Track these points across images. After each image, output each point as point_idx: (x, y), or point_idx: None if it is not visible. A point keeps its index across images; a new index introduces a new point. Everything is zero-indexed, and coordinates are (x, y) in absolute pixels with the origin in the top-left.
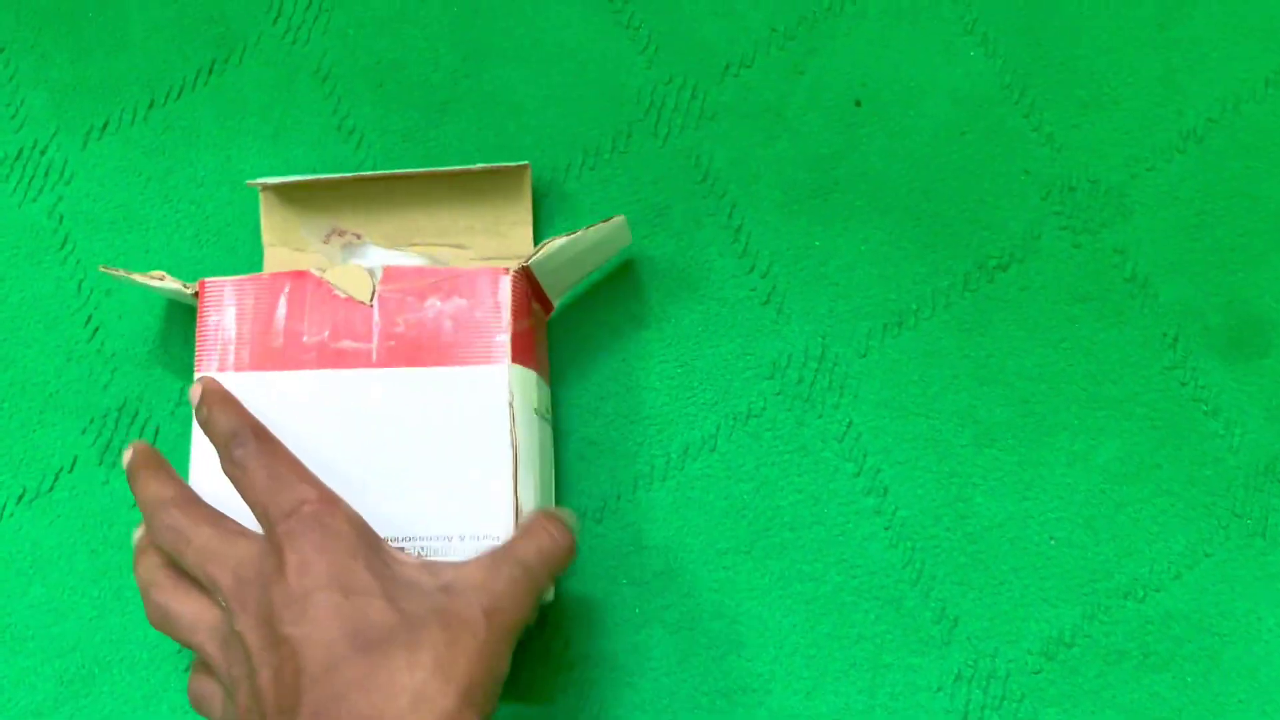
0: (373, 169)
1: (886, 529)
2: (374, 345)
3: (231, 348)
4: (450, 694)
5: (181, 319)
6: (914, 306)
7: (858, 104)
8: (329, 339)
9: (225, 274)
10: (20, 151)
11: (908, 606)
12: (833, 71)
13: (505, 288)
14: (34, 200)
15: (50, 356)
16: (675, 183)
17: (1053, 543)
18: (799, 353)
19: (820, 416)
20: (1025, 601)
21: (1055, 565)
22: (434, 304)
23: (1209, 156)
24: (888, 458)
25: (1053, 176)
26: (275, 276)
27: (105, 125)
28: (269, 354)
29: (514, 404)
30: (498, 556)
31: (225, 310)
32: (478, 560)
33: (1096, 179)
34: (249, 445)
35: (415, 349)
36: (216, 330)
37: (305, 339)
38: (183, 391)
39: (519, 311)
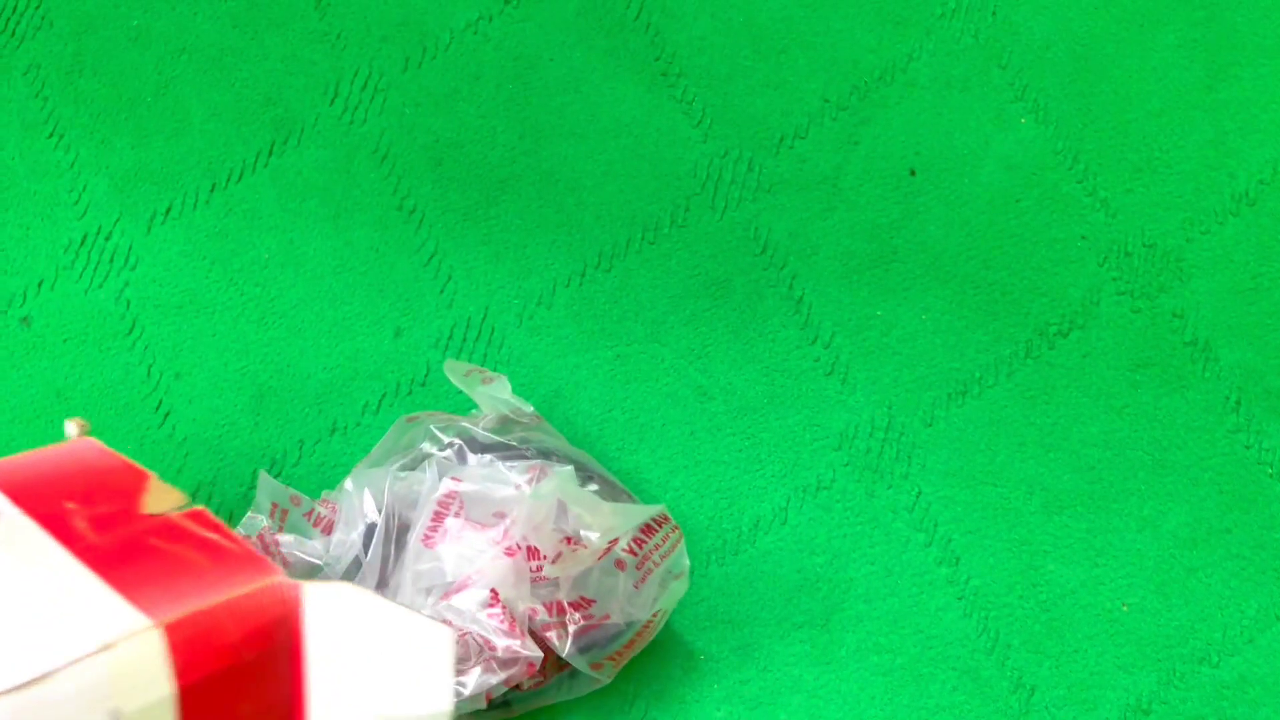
0: (435, 248)
1: (960, 599)
2: None
3: None
4: None
5: (248, 403)
6: (977, 375)
7: (913, 173)
8: None
9: (293, 357)
10: (85, 238)
11: (984, 676)
12: (886, 141)
13: None
14: (100, 286)
15: (122, 443)
16: (734, 255)
17: (1125, 609)
18: (865, 423)
19: (890, 487)
20: (1101, 669)
21: (1129, 632)
22: None
23: (1261, 219)
24: (958, 527)
25: (1109, 242)
26: None
27: (169, 210)
28: None
29: None
30: None
31: None
32: None
33: (1152, 243)
34: None
35: None
36: None
37: None
38: (253, 475)
39: None
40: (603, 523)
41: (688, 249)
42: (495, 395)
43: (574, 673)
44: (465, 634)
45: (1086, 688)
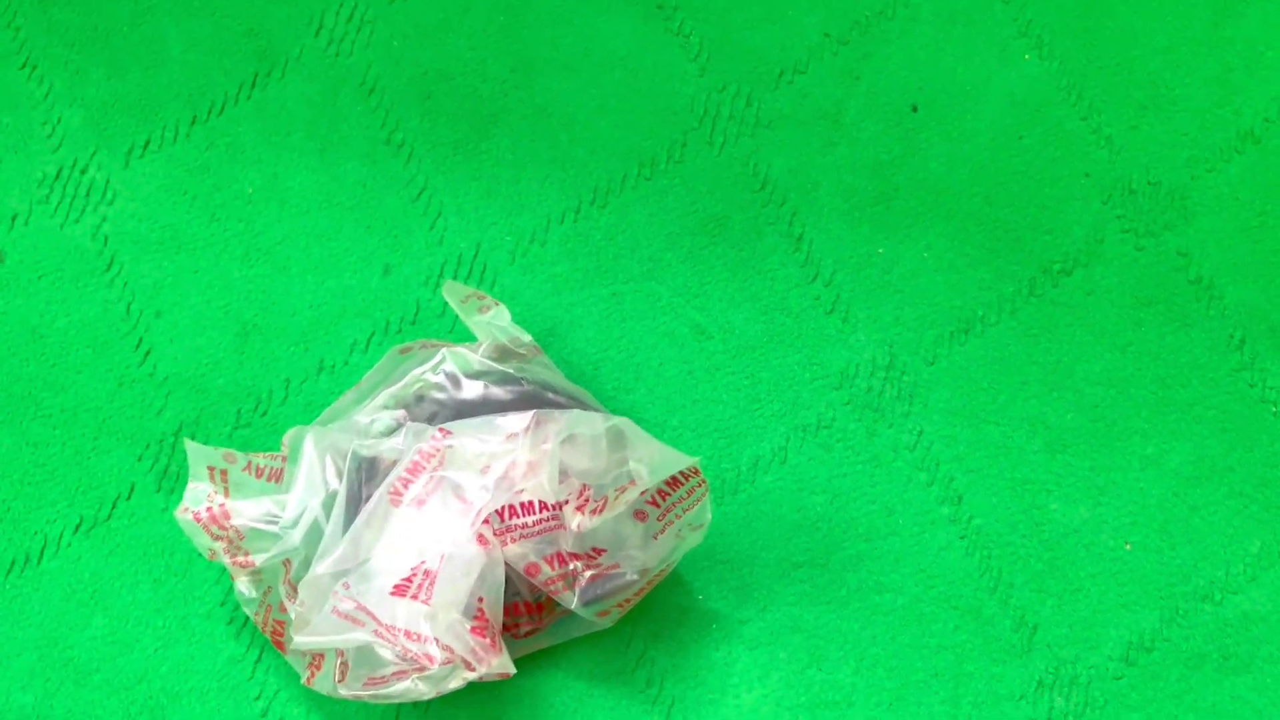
0: (424, 183)
1: (962, 538)
2: None
3: None
4: None
5: (232, 341)
6: (980, 313)
7: (914, 109)
8: None
9: (278, 294)
10: (60, 172)
11: (986, 615)
12: (888, 76)
13: None
14: (76, 222)
15: (102, 381)
16: (733, 192)
17: (1128, 548)
18: (866, 362)
19: (891, 426)
20: (1103, 607)
21: (1132, 570)
22: None
23: (1267, 156)
24: (960, 466)
25: (1113, 179)
26: None
27: (147, 143)
28: None
29: None
30: None
31: None
32: None
33: (1157, 181)
34: None
35: None
36: None
37: None
38: (239, 414)
39: None
40: (653, 460)
41: (685, 185)
42: (494, 323)
43: (572, 616)
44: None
45: (1089, 625)
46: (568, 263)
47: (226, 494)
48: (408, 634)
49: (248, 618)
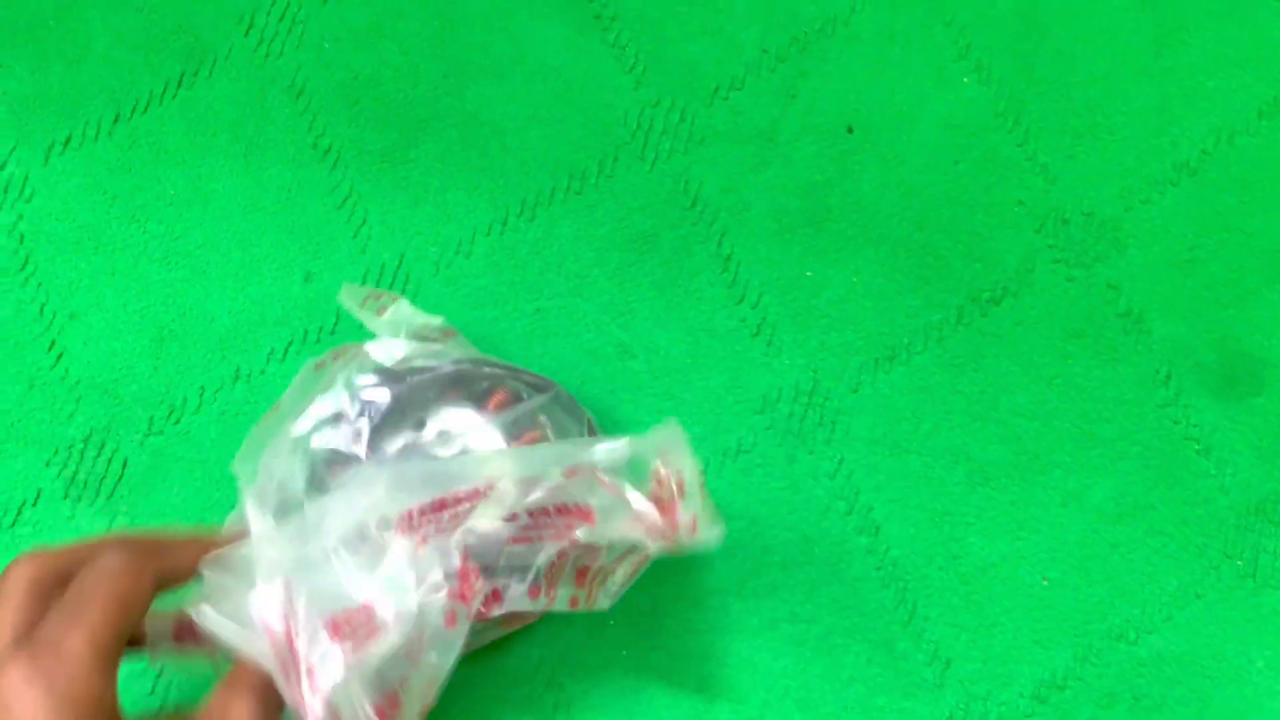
0: (349, 190)
1: (878, 569)
2: None
3: None
4: None
5: (148, 346)
6: (906, 341)
7: (850, 130)
8: None
9: (196, 299)
10: None
11: (900, 649)
12: (825, 96)
13: None
14: None
15: (11, 384)
16: (664, 209)
17: (1045, 584)
18: (790, 386)
19: (812, 453)
20: (1018, 644)
21: (1048, 606)
22: None
23: (1202, 189)
24: (880, 495)
25: (1046, 208)
26: None
27: (68, 140)
28: None
29: None
30: None
31: None
32: None
33: (1090, 211)
34: None
35: None
36: None
37: None
38: (151, 421)
39: None
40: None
41: (615, 200)
42: (397, 319)
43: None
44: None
45: (1003, 662)
46: (492, 275)
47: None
48: (310, 673)
49: None
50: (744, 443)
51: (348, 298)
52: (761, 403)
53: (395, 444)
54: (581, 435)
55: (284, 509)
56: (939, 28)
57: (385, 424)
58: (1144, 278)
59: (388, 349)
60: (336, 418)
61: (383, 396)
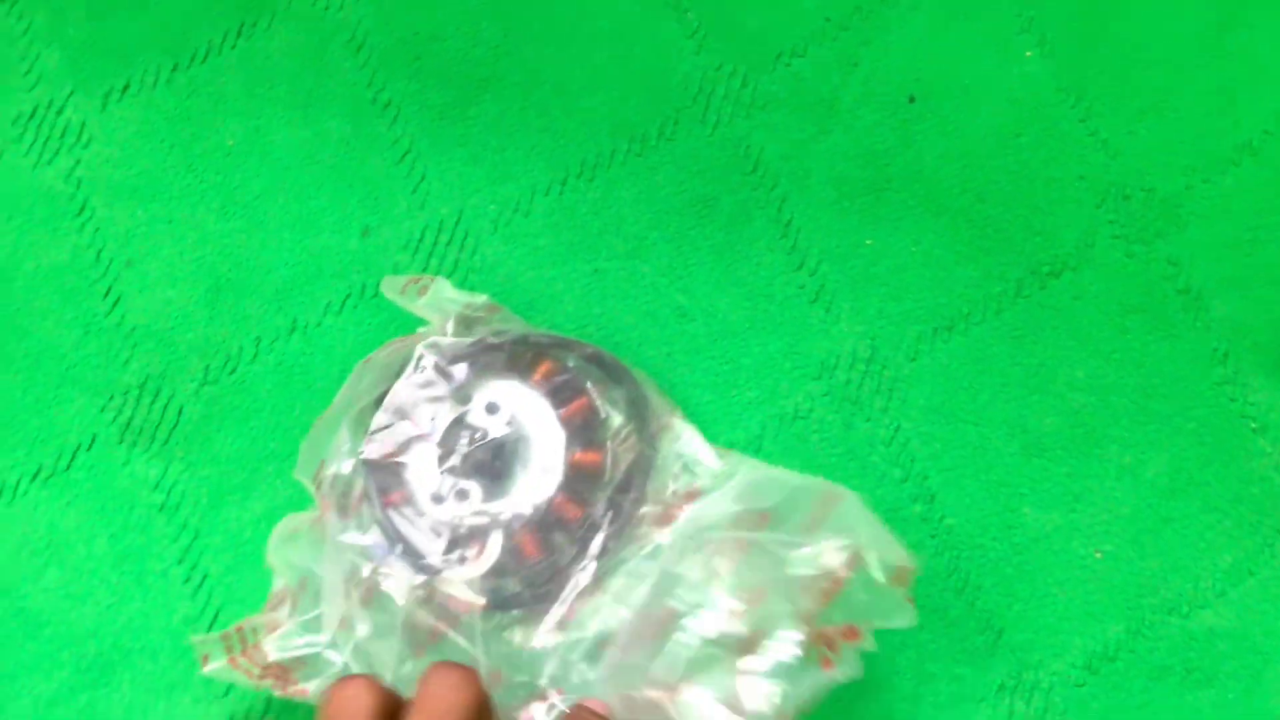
0: (409, 145)
1: (933, 537)
2: None
3: None
4: None
5: (204, 296)
6: (965, 311)
7: (912, 100)
8: None
9: (253, 250)
10: (35, 111)
11: (952, 615)
12: (887, 65)
13: None
14: (49, 163)
15: (67, 329)
16: (723, 173)
17: (1099, 556)
18: (847, 354)
19: (868, 420)
20: (1070, 615)
21: (1101, 579)
22: None
23: (1264, 170)
24: (935, 464)
25: (1107, 184)
26: None
27: (126, 87)
28: None
29: None
30: None
31: None
32: None
33: (1151, 188)
34: None
35: None
36: None
37: None
38: (207, 370)
39: None
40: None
41: (675, 164)
42: (440, 299)
43: None
44: None
45: (1054, 632)
46: (551, 235)
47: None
48: None
49: (205, 577)
50: (800, 409)
51: (388, 289)
52: (819, 369)
53: (444, 422)
54: (631, 401)
55: (344, 511)
56: (1002, 0)
57: (436, 407)
58: (1204, 256)
59: (435, 345)
60: (389, 424)
61: (433, 388)
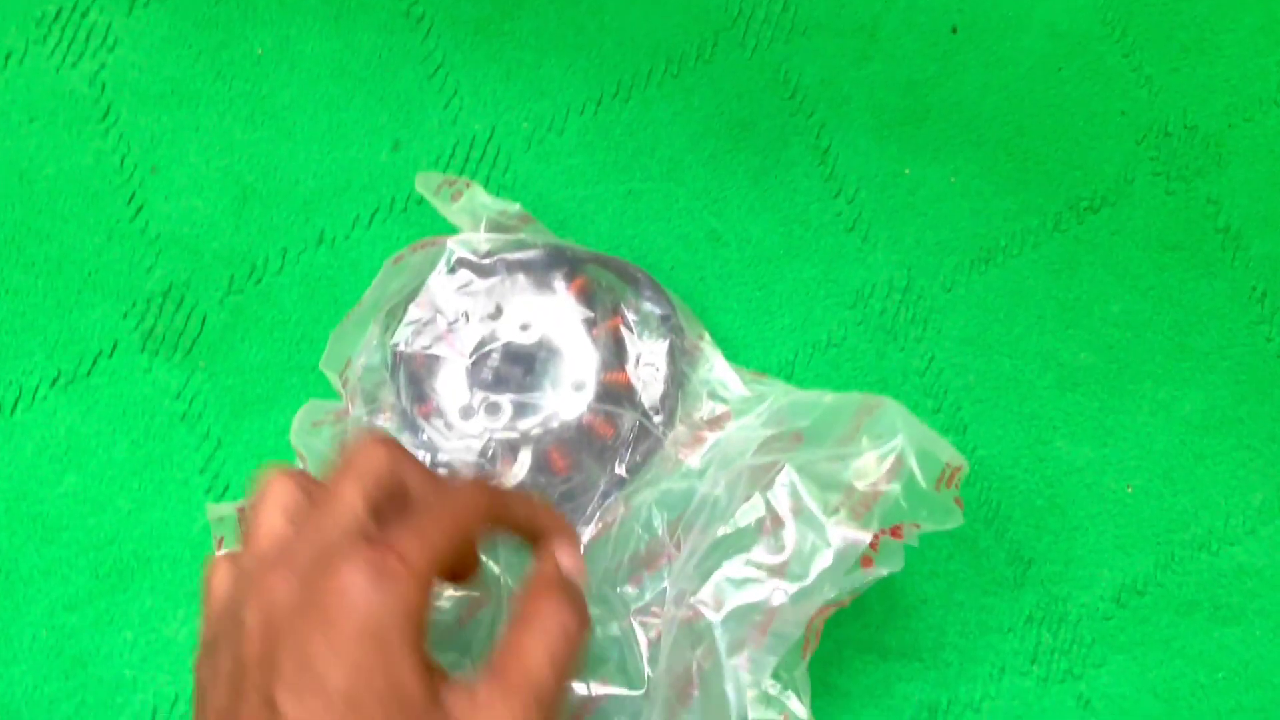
0: (441, 59)
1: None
2: None
3: None
4: None
5: (230, 204)
6: (1002, 243)
7: (954, 30)
8: None
9: (281, 160)
10: (59, 12)
11: (982, 546)
12: None
13: None
14: (74, 66)
15: (90, 234)
16: (761, 98)
17: (1130, 491)
18: (883, 282)
19: (902, 349)
20: (1100, 548)
21: (1131, 513)
22: None
23: None
24: (968, 395)
25: (1149, 120)
26: None
27: None
28: None
29: None
30: (506, 681)
31: None
32: (487, 689)
33: (1193, 125)
34: None
35: None
36: None
37: None
38: (232, 279)
39: None
40: None
41: (712, 86)
42: (473, 204)
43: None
44: None
45: (1084, 565)
46: (585, 155)
47: None
48: None
49: (227, 488)
50: (834, 336)
51: (422, 185)
52: (854, 297)
53: (475, 334)
54: (665, 322)
55: (374, 410)
56: None
57: (468, 316)
58: (1244, 195)
59: (468, 242)
60: (423, 320)
61: (465, 289)
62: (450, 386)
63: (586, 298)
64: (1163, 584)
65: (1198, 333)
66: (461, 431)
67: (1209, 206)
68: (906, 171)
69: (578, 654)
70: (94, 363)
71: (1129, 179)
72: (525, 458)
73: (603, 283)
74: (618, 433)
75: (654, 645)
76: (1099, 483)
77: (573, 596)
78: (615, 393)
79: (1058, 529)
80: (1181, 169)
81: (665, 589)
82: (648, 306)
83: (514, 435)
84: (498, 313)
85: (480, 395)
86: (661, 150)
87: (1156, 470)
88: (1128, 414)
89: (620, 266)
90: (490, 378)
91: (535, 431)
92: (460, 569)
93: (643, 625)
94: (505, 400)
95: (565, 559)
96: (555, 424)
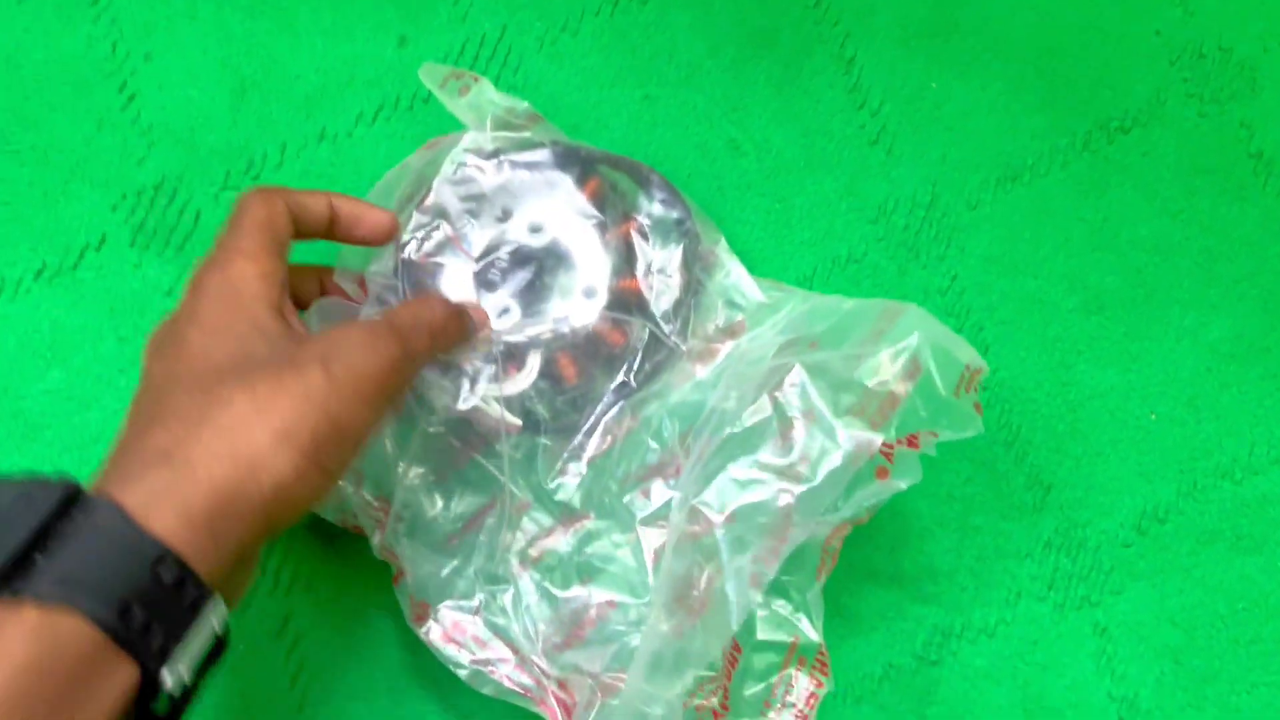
0: None
1: (984, 389)
2: None
3: None
4: (264, 431)
5: (227, 97)
6: (1030, 162)
7: None
8: None
9: (282, 52)
10: None
11: (1000, 469)
12: None
13: None
14: None
15: (79, 122)
16: (785, 5)
17: (1153, 418)
18: (907, 198)
19: (924, 267)
20: (1121, 475)
21: (1154, 440)
22: None
23: None
24: (991, 315)
25: (1184, 40)
26: None
27: None
28: None
29: None
30: (373, 324)
31: None
32: (354, 326)
33: (1228, 48)
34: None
35: None
36: None
37: None
38: (228, 175)
39: None
40: None
41: None
42: (481, 100)
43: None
44: None
45: (1105, 491)
46: (600, 57)
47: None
48: None
49: None
50: (855, 252)
51: (427, 76)
52: (876, 212)
53: (484, 238)
54: (680, 227)
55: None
56: None
57: (475, 219)
58: (1277, 120)
59: (475, 142)
60: (429, 225)
61: (471, 191)
62: (457, 291)
63: (599, 201)
64: (1184, 512)
65: (1227, 259)
66: None
67: (1241, 130)
68: (933, 85)
69: (441, 329)
70: (81, 255)
71: (1161, 100)
72: (534, 362)
73: (617, 186)
74: (628, 342)
75: (660, 554)
76: (1122, 408)
77: (440, 303)
78: (626, 300)
79: (1079, 454)
80: (1215, 91)
81: (673, 499)
82: (660, 210)
83: (521, 339)
84: (505, 215)
85: (489, 298)
86: (680, 55)
87: (1181, 397)
88: (1153, 340)
89: (632, 167)
90: (498, 279)
91: (544, 336)
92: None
93: (649, 536)
94: (514, 304)
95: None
96: (565, 330)
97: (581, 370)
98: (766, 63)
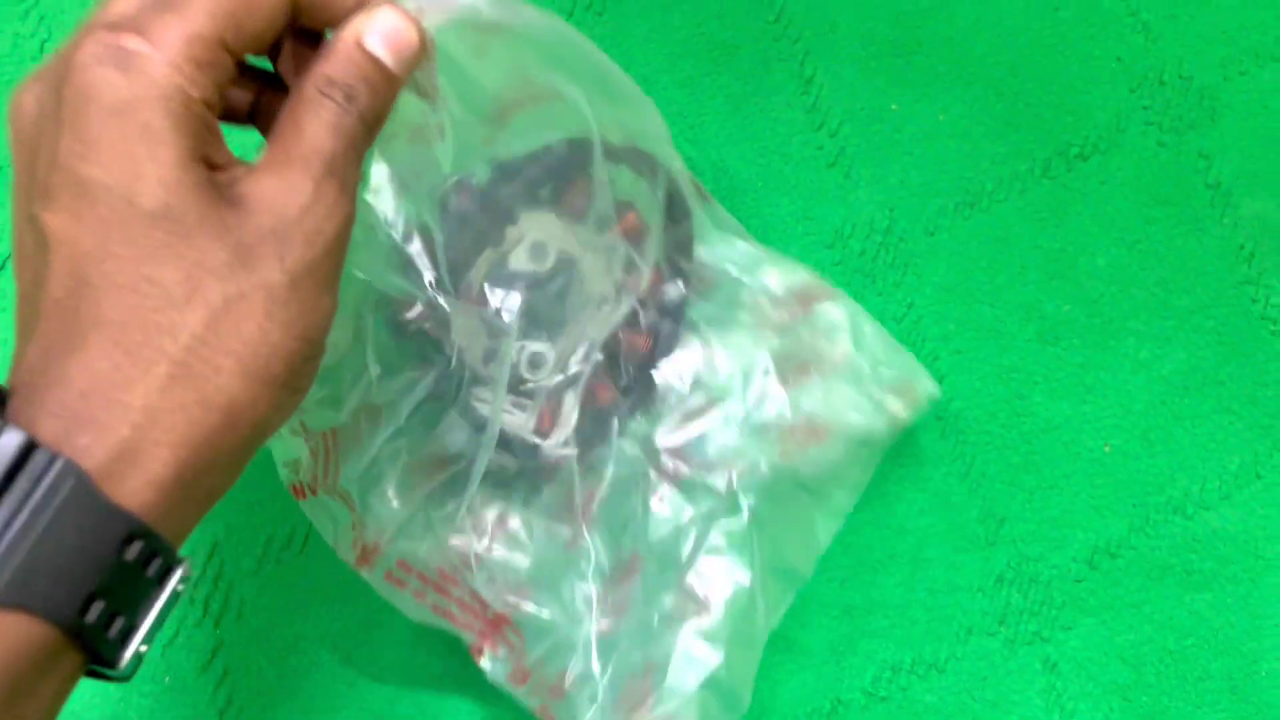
0: None
1: (939, 419)
2: None
3: None
4: (234, 370)
5: None
6: (989, 188)
7: None
8: None
9: None
10: None
11: (954, 501)
12: None
13: None
14: None
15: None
16: (745, 20)
17: (1107, 450)
18: (864, 223)
19: (880, 294)
20: (1074, 508)
21: (1108, 474)
22: None
23: None
24: (946, 345)
25: (1144, 68)
26: None
27: None
28: None
29: None
30: (288, 153)
31: None
32: (269, 163)
33: (1189, 75)
34: None
35: None
36: None
37: None
38: None
39: None
40: None
41: (693, 3)
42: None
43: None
44: None
45: (1057, 525)
46: None
47: None
48: None
49: None
50: None
51: None
52: (833, 236)
53: (478, 270)
54: (688, 200)
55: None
56: None
57: (461, 250)
58: (1236, 151)
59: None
60: (400, 263)
61: (459, 208)
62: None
63: (584, 204)
64: (1136, 547)
65: (1183, 290)
66: (511, 399)
67: (1200, 161)
68: (894, 107)
69: (368, 123)
70: (3, 267)
71: (1121, 128)
72: (572, 401)
73: (603, 179)
74: (655, 340)
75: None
76: (1077, 441)
77: (364, 67)
78: (641, 298)
79: (1033, 487)
80: (1175, 120)
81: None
82: (660, 192)
83: (559, 379)
84: (499, 241)
85: (520, 348)
86: (635, 69)
87: (1135, 430)
88: (1109, 371)
89: (626, 151)
90: (523, 324)
91: (575, 369)
92: (264, 47)
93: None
94: (546, 349)
95: (372, 36)
96: (596, 354)
97: (612, 387)
98: (724, 79)
